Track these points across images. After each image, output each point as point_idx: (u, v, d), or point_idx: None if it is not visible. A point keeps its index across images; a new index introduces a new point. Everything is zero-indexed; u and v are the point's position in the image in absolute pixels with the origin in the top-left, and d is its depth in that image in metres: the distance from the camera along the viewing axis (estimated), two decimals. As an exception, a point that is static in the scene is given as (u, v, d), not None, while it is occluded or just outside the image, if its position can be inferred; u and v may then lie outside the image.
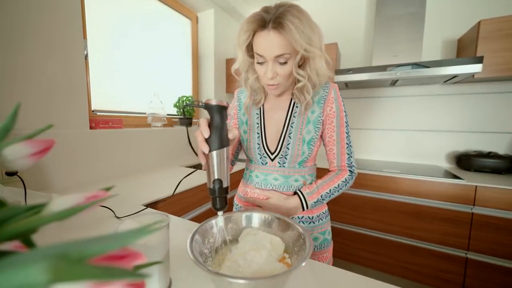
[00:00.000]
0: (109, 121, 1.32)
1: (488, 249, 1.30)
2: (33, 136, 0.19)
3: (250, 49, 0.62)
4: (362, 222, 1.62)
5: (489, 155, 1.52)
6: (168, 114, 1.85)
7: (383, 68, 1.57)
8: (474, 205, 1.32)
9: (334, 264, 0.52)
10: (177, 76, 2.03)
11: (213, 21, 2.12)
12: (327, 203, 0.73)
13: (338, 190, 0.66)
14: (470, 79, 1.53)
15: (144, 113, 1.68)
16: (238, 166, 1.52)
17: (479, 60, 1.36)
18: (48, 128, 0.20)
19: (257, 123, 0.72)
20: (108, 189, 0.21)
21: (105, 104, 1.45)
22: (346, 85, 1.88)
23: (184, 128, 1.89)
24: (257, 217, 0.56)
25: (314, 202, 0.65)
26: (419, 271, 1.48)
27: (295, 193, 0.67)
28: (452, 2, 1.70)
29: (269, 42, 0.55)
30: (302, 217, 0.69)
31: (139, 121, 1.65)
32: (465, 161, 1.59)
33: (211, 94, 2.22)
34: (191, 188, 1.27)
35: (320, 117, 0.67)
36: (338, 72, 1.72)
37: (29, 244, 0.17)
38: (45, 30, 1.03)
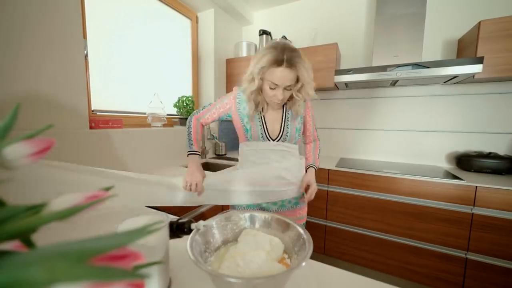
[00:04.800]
0: (109, 121, 1.32)
1: (488, 250, 1.30)
2: (33, 136, 0.19)
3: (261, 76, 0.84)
4: (362, 223, 1.62)
5: (489, 155, 1.52)
6: (168, 114, 1.85)
7: (383, 68, 1.57)
8: (474, 205, 1.32)
9: (333, 265, 0.52)
10: (177, 76, 2.03)
11: (213, 21, 2.12)
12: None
13: (320, 153, 1.10)
14: (470, 79, 1.53)
15: (144, 113, 1.67)
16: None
17: (480, 60, 1.36)
18: (48, 128, 0.20)
19: (260, 125, 0.96)
20: (107, 189, 0.21)
21: (105, 104, 1.45)
22: (346, 85, 1.88)
23: (184, 128, 1.89)
24: (256, 218, 0.56)
25: (316, 165, 1.06)
26: (419, 272, 1.48)
27: (307, 167, 1.04)
28: (452, 3, 1.70)
29: (284, 77, 0.80)
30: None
31: (139, 121, 1.65)
32: (465, 162, 1.59)
33: (211, 94, 2.22)
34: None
35: (302, 118, 1.00)
36: (338, 72, 1.72)
37: (28, 244, 0.17)
38: (45, 30, 1.03)
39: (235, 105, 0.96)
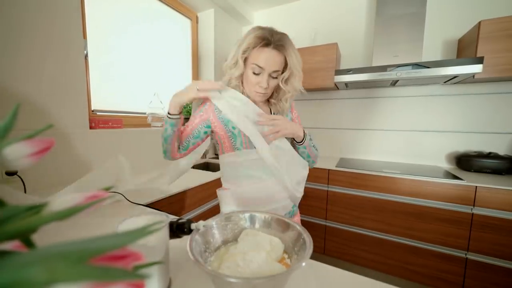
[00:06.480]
0: (109, 121, 1.32)
1: (488, 250, 1.30)
2: (33, 136, 0.19)
3: (244, 58, 0.72)
4: (362, 223, 1.62)
5: (489, 155, 1.52)
6: (168, 114, 1.84)
7: (383, 68, 1.57)
8: (474, 205, 1.32)
9: (333, 265, 0.52)
10: (177, 76, 2.03)
11: (213, 21, 2.12)
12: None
13: (315, 146, 0.84)
14: (470, 79, 1.53)
15: (144, 113, 1.67)
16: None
17: (480, 60, 1.36)
18: (48, 128, 0.20)
19: None
20: (107, 189, 0.21)
21: (105, 104, 1.45)
22: (346, 86, 1.88)
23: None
24: (256, 218, 0.56)
25: (309, 136, 0.82)
26: (419, 272, 1.48)
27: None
28: (452, 3, 1.70)
29: (271, 58, 0.68)
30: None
31: (139, 121, 1.65)
32: (465, 162, 1.59)
33: (211, 94, 2.22)
34: (191, 188, 1.27)
35: (290, 119, 0.85)
36: (338, 72, 1.72)
37: (28, 244, 0.17)
38: (45, 30, 1.03)
39: (214, 111, 0.75)
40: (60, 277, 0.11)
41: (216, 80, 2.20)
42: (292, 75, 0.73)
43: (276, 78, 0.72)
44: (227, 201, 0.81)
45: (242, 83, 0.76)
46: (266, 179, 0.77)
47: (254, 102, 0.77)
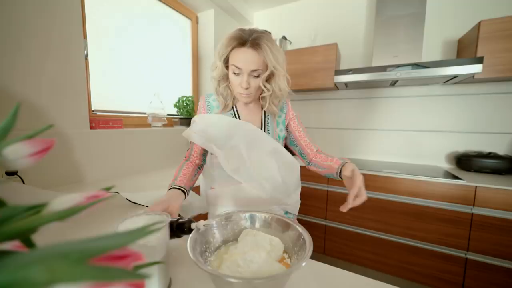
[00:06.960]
0: (109, 121, 1.32)
1: (487, 250, 1.30)
2: (33, 136, 0.19)
3: (225, 61, 0.73)
4: (362, 223, 1.62)
5: (489, 155, 1.52)
6: (168, 114, 1.85)
7: (383, 68, 1.57)
8: (473, 205, 1.32)
9: (333, 265, 0.52)
10: (177, 76, 2.03)
11: (213, 21, 2.12)
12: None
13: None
14: (470, 79, 1.53)
15: (144, 113, 1.67)
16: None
17: (479, 60, 1.36)
18: (48, 128, 0.20)
19: None
20: (108, 189, 0.21)
21: (105, 104, 1.45)
22: (346, 86, 1.88)
23: (184, 128, 1.89)
24: (257, 218, 0.56)
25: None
26: (419, 272, 1.48)
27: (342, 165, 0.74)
28: (452, 3, 1.70)
29: (247, 58, 0.67)
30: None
31: (139, 121, 1.65)
32: (465, 162, 1.59)
33: (211, 94, 2.22)
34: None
35: (284, 120, 0.85)
36: (338, 72, 1.72)
37: (28, 244, 0.17)
38: (45, 30, 1.03)
39: (206, 113, 0.82)
40: (60, 277, 0.11)
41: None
42: (273, 74, 0.71)
43: (257, 77, 0.70)
44: (208, 200, 0.87)
45: (230, 85, 0.77)
46: (242, 182, 0.78)
47: (245, 104, 0.80)
